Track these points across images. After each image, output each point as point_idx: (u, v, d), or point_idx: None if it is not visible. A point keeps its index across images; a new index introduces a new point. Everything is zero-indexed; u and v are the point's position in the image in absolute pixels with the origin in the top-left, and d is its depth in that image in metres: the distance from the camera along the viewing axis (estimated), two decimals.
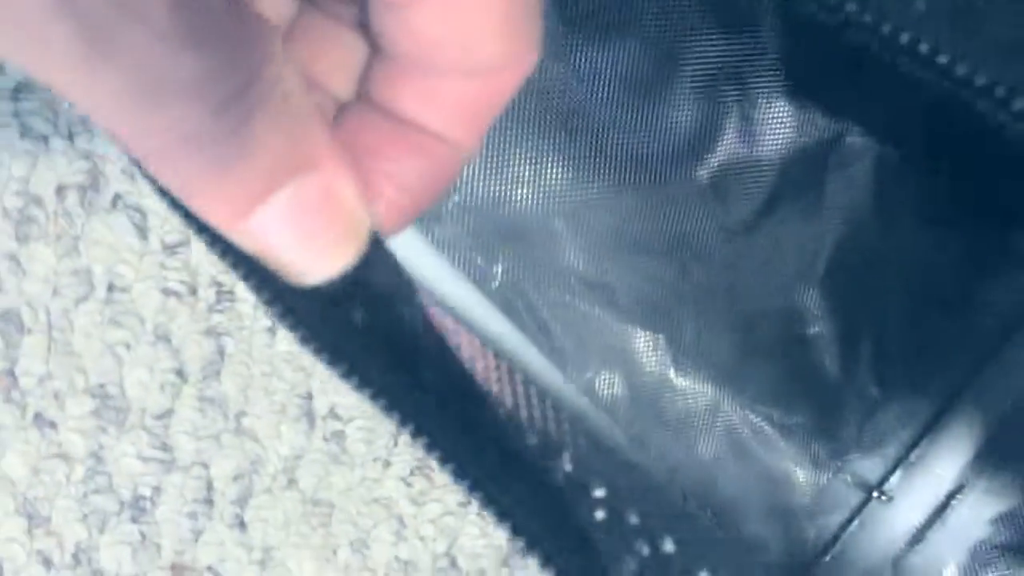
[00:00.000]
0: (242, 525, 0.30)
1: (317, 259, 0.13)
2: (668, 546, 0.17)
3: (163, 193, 0.14)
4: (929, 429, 0.38)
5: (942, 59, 0.18)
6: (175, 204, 0.14)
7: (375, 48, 0.14)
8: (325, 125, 0.13)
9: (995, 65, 0.18)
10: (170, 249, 0.29)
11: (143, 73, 0.10)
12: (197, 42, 0.10)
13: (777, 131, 0.36)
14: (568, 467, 0.17)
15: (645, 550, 0.18)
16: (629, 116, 0.35)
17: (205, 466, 0.30)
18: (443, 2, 0.13)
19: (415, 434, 0.15)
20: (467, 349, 0.22)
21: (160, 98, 0.11)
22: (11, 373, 0.28)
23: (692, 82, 0.35)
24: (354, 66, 0.15)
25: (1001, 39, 0.18)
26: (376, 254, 0.13)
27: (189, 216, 0.14)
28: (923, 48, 0.19)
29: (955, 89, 0.20)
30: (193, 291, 0.29)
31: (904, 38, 0.19)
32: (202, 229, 0.14)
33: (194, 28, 0.10)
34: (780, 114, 0.36)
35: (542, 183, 0.33)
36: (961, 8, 0.18)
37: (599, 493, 0.17)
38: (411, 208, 0.14)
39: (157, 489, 0.30)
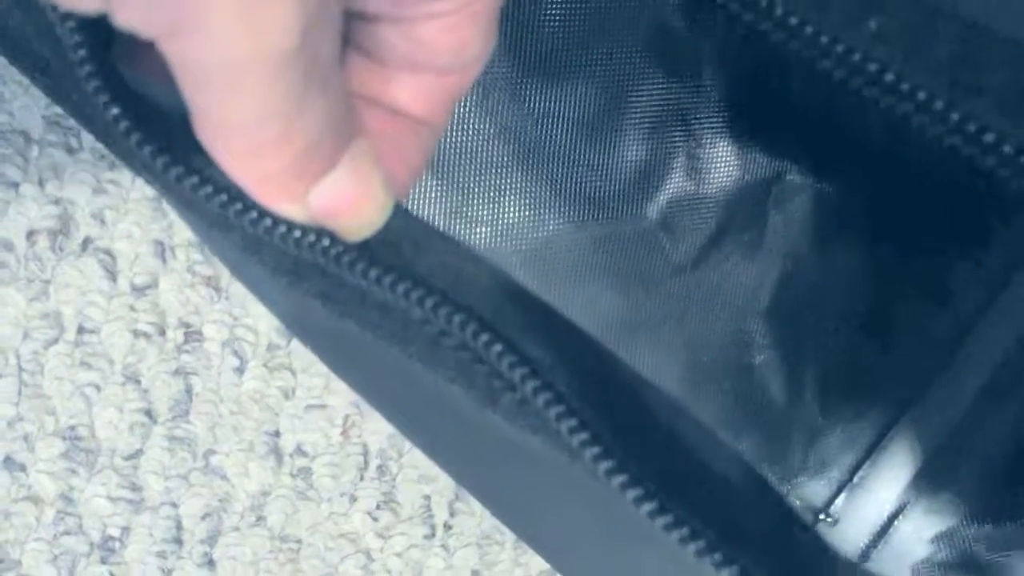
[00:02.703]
0: (211, 563, 0.31)
1: (373, 215, 0.16)
2: None
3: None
4: (871, 453, 0.40)
5: (889, 76, 0.20)
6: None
7: (364, 52, 0.16)
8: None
9: (942, 86, 0.19)
10: (139, 291, 0.29)
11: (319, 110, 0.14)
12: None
13: (721, 170, 0.38)
14: None
15: None
16: (582, 156, 0.36)
17: (174, 505, 0.30)
18: (449, 19, 0.15)
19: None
20: None
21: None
22: None
23: (640, 123, 0.36)
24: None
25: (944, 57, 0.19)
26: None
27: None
28: (871, 67, 0.20)
29: (898, 106, 0.22)
30: (162, 332, 0.30)
31: (854, 55, 0.20)
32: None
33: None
34: (724, 154, 0.38)
35: (500, 222, 0.35)
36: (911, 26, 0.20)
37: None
38: (409, 181, 0.18)
39: (126, 529, 0.30)
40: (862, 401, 0.39)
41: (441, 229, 0.17)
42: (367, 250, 0.16)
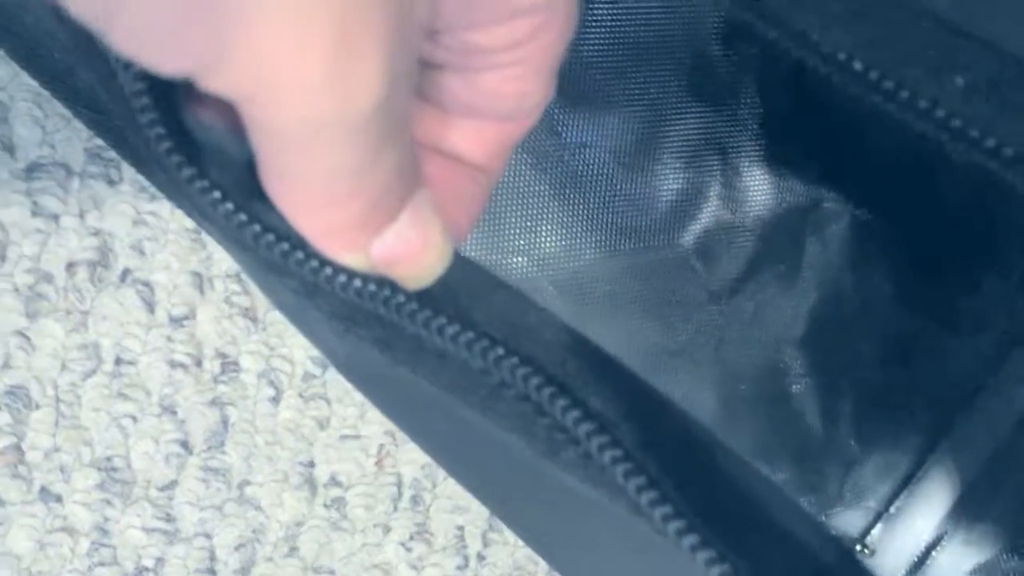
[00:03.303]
0: None
1: (434, 263, 0.16)
2: None
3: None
4: (907, 483, 0.39)
5: (923, 103, 0.19)
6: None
7: (425, 99, 0.16)
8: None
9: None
10: (176, 322, 0.29)
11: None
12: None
13: (758, 199, 0.38)
14: None
15: None
16: (618, 185, 0.36)
17: (208, 536, 0.30)
18: (513, 69, 0.15)
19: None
20: None
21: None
22: (18, 448, 0.28)
23: (677, 153, 0.36)
24: None
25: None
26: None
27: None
28: (903, 94, 0.20)
29: (934, 133, 0.21)
30: (199, 362, 0.30)
31: (887, 83, 0.20)
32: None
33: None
34: (760, 182, 0.37)
35: (536, 252, 0.34)
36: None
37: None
38: (468, 228, 0.17)
39: (161, 560, 0.30)
40: (897, 430, 0.39)
41: (478, 260, 0.17)
42: (428, 299, 0.16)
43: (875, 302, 0.38)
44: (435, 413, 0.20)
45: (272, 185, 0.14)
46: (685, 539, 0.14)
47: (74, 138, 0.27)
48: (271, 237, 0.15)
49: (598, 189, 0.36)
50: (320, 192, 0.14)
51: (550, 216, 0.34)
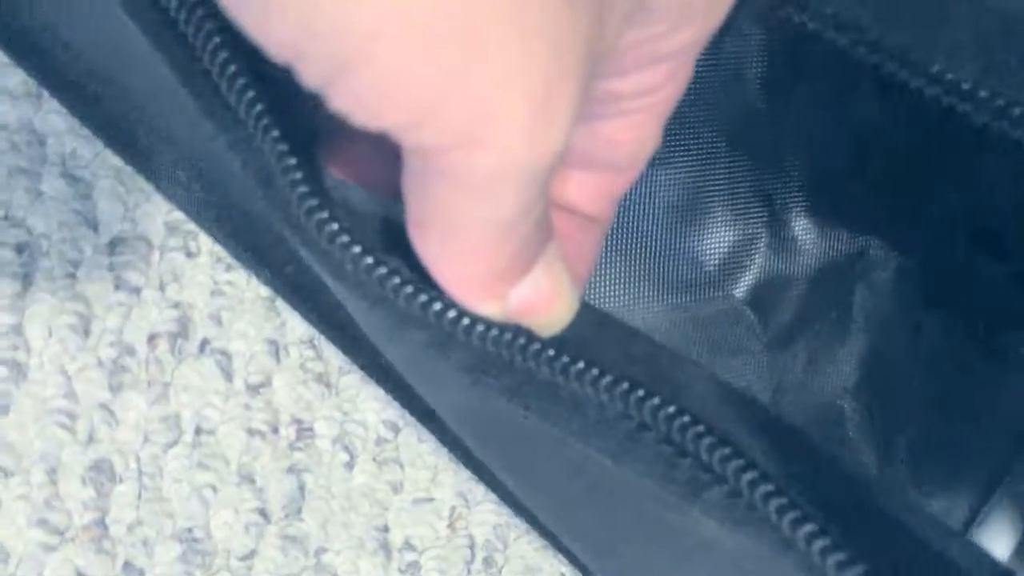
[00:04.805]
0: None
1: (564, 312, 0.16)
2: None
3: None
4: (967, 527, 0.39)
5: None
6: None
7: None
8: None
9: None
10: (253, 389, 0.30)
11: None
12: None
13: (806, 248, 0.38)
14: None
15: None
16: (671, 239, 0.37)
17: None
18: (636, 116, 0.16)
19: None
20: None
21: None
22: (102, 523, 0.28)
23: (726, 205, 0.37)
24: None
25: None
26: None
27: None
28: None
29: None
30: (275, 429, 0.30)
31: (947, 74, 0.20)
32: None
33: None
34: (808, 232, 0.38)
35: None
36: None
37: None
38: (587, 277, 0.18)
39: None
40: (954, 474, 0.39)
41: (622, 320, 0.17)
42: (564, 345, 0.16)
43: (925, 346, 0.39)
44: (554, 463, 0.20)
45: (422, 235, 0.15)
46: (848, 572, 0.14)
47: (154, 212, 0.28)
48: (410, 289, 0.16)
49: (652, 244, 0.36)
50: (474, 242, 0.14)
51: (611, 271, 0.35)
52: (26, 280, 0.27)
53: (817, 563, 0.15)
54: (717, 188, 0.37)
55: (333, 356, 0.30)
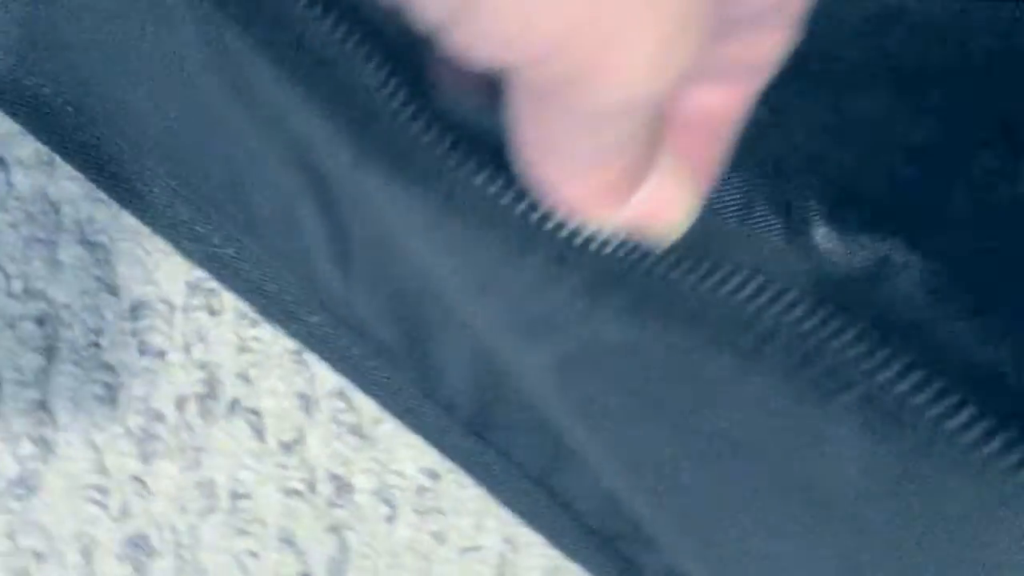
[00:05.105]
0: None
1: (682, 218, 0.16)
2: None
3: None
4: None
5: None
6: None
7: None
8: None
9: None
10: (287, 447, 0.29)
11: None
12: None
13: (827, 258, 0.38)
14: None
15: None
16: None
17: None
18: (777, 18, 0.15)
19: None
20: None
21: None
22: None
23: (743, 216, 0.37)
24: None
25: None
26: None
27: None
28: None
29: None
30: (312, 487, 0.29)
31: None
32: None
33: None
34: (829, 242, 0.38)
35: None
36: None
37: None
38: (707, 183, 0.17)
39: None
40: None
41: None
42: (685, 251, 0.16)
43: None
44: (672, 393, 0.19)
45: (535, 159, 0.14)
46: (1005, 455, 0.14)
47: (175, 271, 0.27)
48: (524, 206, 0.15)
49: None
50: (592, 159, 0.14)
51: None
52: (49, 353, 0.26)
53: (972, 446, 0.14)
54: (733, 198, 0.36)
55: (365, 405, 0.29)
